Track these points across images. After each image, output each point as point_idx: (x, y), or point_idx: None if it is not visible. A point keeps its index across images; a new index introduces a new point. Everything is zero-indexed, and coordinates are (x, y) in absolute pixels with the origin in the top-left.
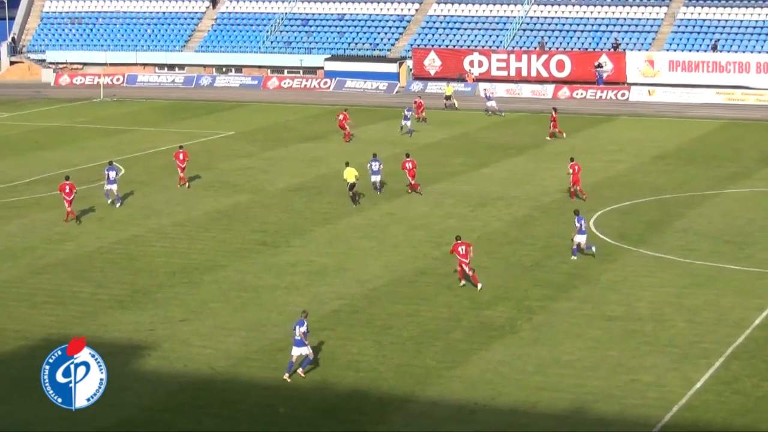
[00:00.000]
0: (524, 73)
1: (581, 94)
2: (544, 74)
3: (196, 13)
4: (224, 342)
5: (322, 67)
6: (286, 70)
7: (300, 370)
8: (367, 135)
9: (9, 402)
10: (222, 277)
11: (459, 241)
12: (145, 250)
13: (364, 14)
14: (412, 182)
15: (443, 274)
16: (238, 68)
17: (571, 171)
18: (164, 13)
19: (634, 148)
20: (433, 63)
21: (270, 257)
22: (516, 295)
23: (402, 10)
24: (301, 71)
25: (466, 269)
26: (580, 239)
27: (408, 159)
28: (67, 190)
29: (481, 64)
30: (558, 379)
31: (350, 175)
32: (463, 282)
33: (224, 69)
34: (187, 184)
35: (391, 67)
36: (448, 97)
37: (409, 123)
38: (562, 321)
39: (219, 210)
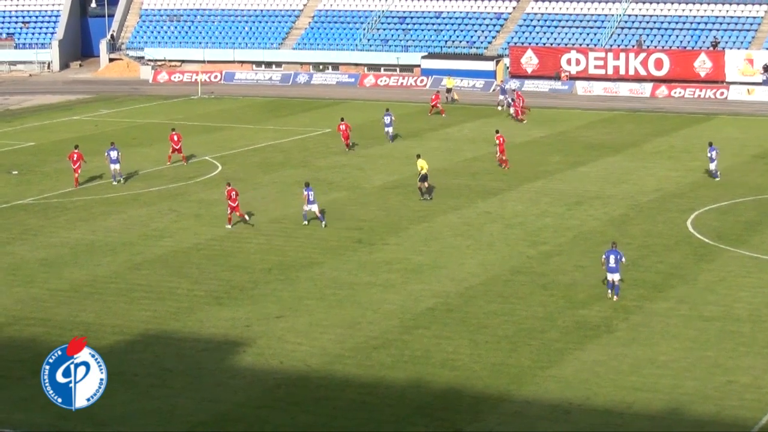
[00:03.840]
0: (622, 72)
1: (679, 92)
2: (642, 72)
3: (294, 10)
4: (319, 339)
5: (419, 65)
6: (382, 68)
7: (615, 296)
8: (463, 133)
9: (106, 396)
10: (318, 274)
11: (230, 187)
12: (241, 246)
13: (461, 12)
14: (347, 142)
15: (539, 273)
16: (335, 66)
17: (497, 141)
18: (262, 10)
19: (733, 147)
20: (530, 61)
21: (366, 255)
22: None
23: (499, 7)
24: (397, 69)
25: (233, 210)
26: (311, 207)
27: (342, 122)
28: (75, 158)
29: (578, 62)
30: (654, 380)
31: (422, 165)
32: (229, 226)
33: (321, 67)
34: (185, 162)
35: (488, 65)
36: (449, 90)
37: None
38: (659, 321)
39: None
